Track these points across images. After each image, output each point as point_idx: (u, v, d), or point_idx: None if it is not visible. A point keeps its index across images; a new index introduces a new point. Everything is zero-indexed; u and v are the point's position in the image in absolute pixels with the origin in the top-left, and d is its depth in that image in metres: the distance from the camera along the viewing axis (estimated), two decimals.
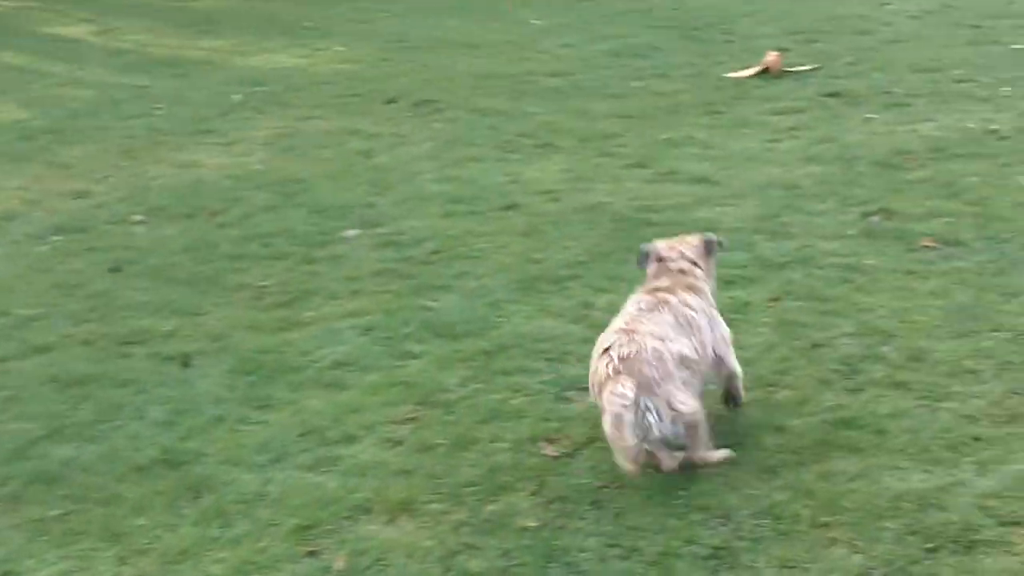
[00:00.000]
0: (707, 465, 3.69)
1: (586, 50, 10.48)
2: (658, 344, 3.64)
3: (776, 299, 4.97)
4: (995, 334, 4.49)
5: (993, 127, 7.16)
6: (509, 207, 6.49)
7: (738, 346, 4.15)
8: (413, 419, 4.29)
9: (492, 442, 4.04)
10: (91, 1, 16.43)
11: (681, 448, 3.64)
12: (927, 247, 5.38)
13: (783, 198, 6.23)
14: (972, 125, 7.26)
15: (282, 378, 4.71)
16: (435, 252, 5.92)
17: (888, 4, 11.41)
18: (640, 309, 3.83)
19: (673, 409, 3.55)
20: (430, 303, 5.28)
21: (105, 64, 11.71)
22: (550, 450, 3.96)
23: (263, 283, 5.71)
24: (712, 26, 11.08)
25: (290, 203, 6.86)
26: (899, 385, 4.14)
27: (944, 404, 3.98)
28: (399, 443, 4.13)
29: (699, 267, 4.04)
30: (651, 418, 3.51)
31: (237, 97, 9.60)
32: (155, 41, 12.83)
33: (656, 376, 3.56)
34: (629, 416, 3.45)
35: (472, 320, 5.04)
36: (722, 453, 3.74)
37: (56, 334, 5.34)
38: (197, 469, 4.11)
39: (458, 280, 5.54)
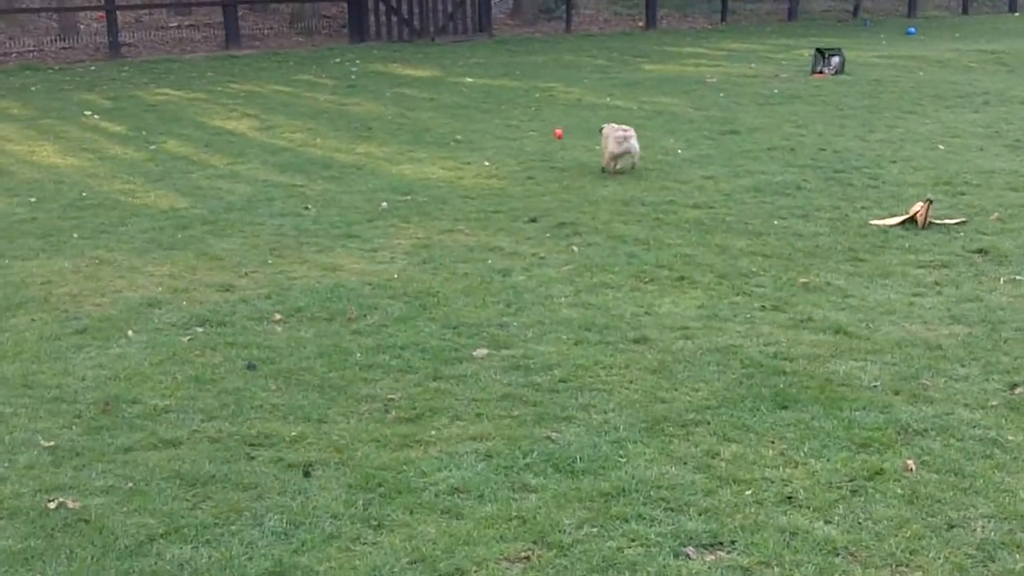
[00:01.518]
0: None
1: (728, 184, 10.38)
2: (631, 131, 10.72)
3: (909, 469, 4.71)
4: None
5: None
6: (640, 340, 6.35)
7: (867, 517, 3.93)
8: (526, 559, 4.13)
9: None
10: (257, 98, 16.97)
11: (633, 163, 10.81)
12: None
13: (924, 358, 5.96)
14: None
15: (399, 499, 4.61)
16: (562, 380, 5.79)
17: None
18: (622, 127, 10.81)
19: (635, 144, 10.73)
20: (553, 434, 5.15)
21: (263, 160, 11.98)
22: None
23: (391, 396, 5.65)
24: (857, 170, 10.88)
25: (424, 316, 6.83)
26: None
27: None
28: None
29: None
30: (636, 146, 10.75)
31: (384, 204, 9.70)
32: (312, 141, 13.12)
33: (634, 137, 10.71)
34: (632, 144, 10.66)
35: (594, 457, 4.89)
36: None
37: (186, 428, 5.34)
38: None
39: (583, 412, 5.40)
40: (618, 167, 10.79)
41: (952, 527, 4.26)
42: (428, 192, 10.22)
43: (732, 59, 22.08)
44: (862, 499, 4.49)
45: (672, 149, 12.16)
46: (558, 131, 13.00)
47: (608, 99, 16.14)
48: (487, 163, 11.58)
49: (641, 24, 30.58)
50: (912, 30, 29.03)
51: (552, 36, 28.24)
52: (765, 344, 6.24)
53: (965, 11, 37.19)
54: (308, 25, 27.60)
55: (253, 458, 5.03)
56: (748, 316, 6.73)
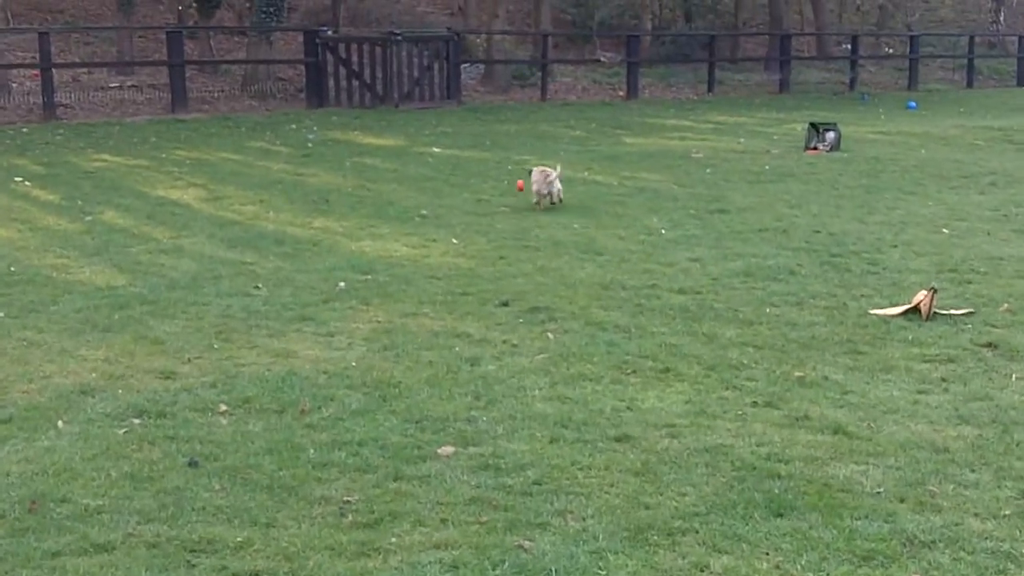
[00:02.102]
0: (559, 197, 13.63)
1: (717, 267, 10.46)
2: (553, 172, 13.39)
3: None
4: None
5: None
6: (621, 438, 6.34)
7: None
8: None
9: None
10: (204, 166, 17.03)
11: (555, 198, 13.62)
12: None
13: (930, 462, 5.98)
14: None
15: None
16: (536, 483, 5.76)
17: None
18: (544, 167, 13.56)
19: (558, 184, 13.44)
20: (525, 543, 5.11)
21: (210, 234, 12.00)
22: None
23: (347, 498, 5.60)
24: (856, 254, 11.00)
25: (384, 408, 6.80)
26: None
27: None
28: None
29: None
30: (558, 185, 13.51)
31: (342, 284, 9.71)
32: (265, 214, 13.15)
33: (555, 178, 13.37)
34: (557, 183, 13.43)
35: (571, 569, 4.85)
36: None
37: (120, 532, 5.26)
38: None
39: (558, 519, 5.36)
40: (552, 199, 13.53)
41: None
42: (390, 272, 10.24)
43: (719, 132, 22.38)
44: None
45: (655, 229, 12.26)
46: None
47: (586, 173, 16.29)
48: (455, 241, 11.63)
49: (622, 93, 31.01)
50: (913, 104, 29.57)
51: (526, 104, 28.57)
52: (758, 444, 6.23)
53: (970, 84, 37.96)
54: (262, 88, 27.81)
55: (194, 566, 4.95)
56: (739, 413, 6.74)
